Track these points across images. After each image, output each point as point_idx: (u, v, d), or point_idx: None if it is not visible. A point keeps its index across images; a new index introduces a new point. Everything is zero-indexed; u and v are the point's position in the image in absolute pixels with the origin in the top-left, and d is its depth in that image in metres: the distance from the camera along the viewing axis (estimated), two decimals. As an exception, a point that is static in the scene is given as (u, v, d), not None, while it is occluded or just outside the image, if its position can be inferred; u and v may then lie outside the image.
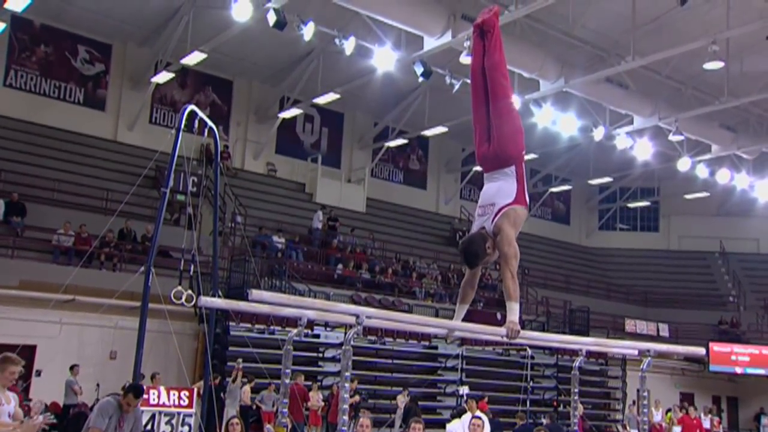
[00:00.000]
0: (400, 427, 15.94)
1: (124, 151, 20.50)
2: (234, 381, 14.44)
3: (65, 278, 12.75)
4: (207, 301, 4.44)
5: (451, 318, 4.91)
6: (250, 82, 23.39)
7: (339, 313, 4.21)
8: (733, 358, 25.09)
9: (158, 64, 19.77)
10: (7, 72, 19.68)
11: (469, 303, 4.92)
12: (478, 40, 5.07)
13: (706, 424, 20.97)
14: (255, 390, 14.85)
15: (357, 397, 15.25)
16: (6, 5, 15.56)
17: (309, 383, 16.00)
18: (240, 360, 14.49)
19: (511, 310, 4.53)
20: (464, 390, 17.00)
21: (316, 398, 15.47)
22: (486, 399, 15.32)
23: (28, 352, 14.13)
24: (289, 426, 7.96)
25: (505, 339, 4.61)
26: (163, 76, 19.82)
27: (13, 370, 5.88)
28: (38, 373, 14.57)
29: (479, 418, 10.03)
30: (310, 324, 16.60)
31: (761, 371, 25.12)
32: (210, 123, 11.76)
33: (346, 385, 4.02)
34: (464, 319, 4.91)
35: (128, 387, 6.44)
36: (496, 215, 4.73)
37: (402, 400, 16.34)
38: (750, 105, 20.55)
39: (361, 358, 18.02)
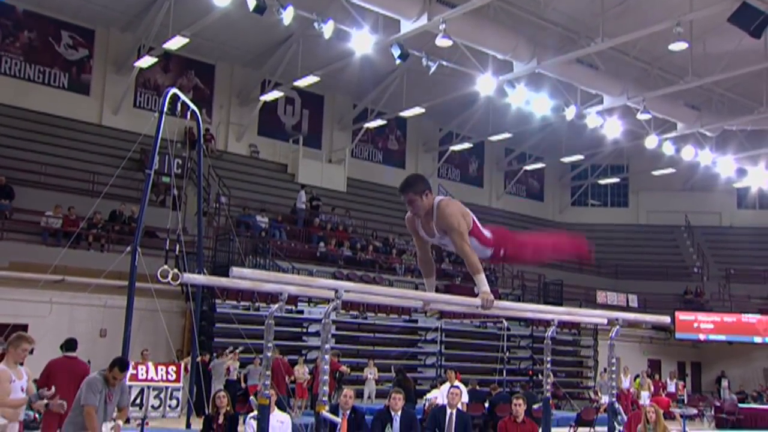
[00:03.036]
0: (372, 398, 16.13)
1: (109, 134, 20.28)
2: (219, 357, 14.50)
3: (54, 259, 12.65)
4: (189, 277, 4.42)
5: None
6: (232, 66, 23.17)
7: (318, 288, 4.20)
8: (697, 325, 25.50)
9: (141, 48, 19.53)
10: (-9, 58, 19.36)
11: (433, 276, 4.85)
12: None
13: (671, 388, 21.39)
14: (242, 365, 14.88)
15: (345, 368, 15.33)
16: (-12, -8, 15.26)
17: (295, 357, 16.04)
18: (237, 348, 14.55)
19: (481, 282, 4.50)
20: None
21: (301, 371, 15.51)
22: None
23: (19, 331, 14.01)
24: (274, 398, 7.98)
25: (480, 310, 4.59)
26: (146, 61, 19.58)
27: (25, 347, 6.14)
28: (30, 351, 14.46)
29: (457, 387, 10.14)
30: (294, 300, 16.61)
31: (722, 338, 25.59)
32: (192, 106, 11.67)
33: (326, 357, 4.03)
34: (444, 293, 4.92)
35: (114, 361, 6.43)
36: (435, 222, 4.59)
37: (369, 372, 16.42)
38: (713, 84, 20.73)
39: (344, 333, 18.11)
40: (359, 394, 15.80)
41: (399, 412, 8.05)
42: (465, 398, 11.88)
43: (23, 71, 19.88)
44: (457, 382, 12.29)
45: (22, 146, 18.31)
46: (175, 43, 18.10)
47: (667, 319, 6.78)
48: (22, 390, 6.05)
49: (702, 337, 25.67)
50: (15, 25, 19.79)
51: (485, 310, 4.57)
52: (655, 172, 28.72)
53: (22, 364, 6.25)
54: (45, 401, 6.27)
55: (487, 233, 4.67)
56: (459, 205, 4.57)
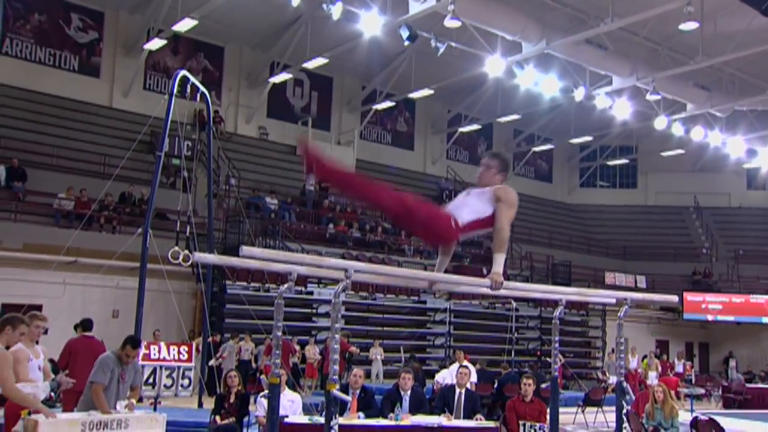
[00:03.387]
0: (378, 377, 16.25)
1: (119, 117, 20.29)
2: (233, 339, 14.62)
3: (67, 240, 12.72)
4: (200, 256, 4.42)
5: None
6: (241, 48, 23.09)
7: (328, 267, 4.19)
8: (705, 306, 25.44)
9: (150, 31, 19.45)
10: (2, 40, 19.36)
11: (450, 255, 4.75)
12: None
13: (679, 369, 21.39)
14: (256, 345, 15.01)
15: (355, 348, 15.42)
16: (-1, -26, 15.25)
17: (305, 338, 16.12)
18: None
19: (497, 262, 4.39)
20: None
21: (312, 352, 15.60)
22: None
23: (32, 310, 14.13)
24: (285, 378, 8.02)
25: (489, 291, 4.53)
26: (156, 43, 19.53)
27: (38, 324, 6.21)
28: (45, 331, 14.58)
29: (466, 367, 10.17)
30: (304, 281, 16.66)
31: (731, 318, 25.53)
32: (202, 88, 11.65)
33: (336, 336, 4.03)
34: (453, 274, 4.86)
35: (126, 339, 6.49)
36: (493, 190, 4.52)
37: (375, 352, 16.48)
38: (723, 64, 20.47)
39: (353, 314, 18.16)
40: (368, 374, 15.89)
41: (408, 392, 8.10)
42: (474, 378, 11.92)
43: (34, 54, 19.89)
44: (465, 362, 12.32)
45: (34, 129, 18.36)
46: (184, 26, 18.05)
47: (675, 298, 6.73)
48: (39, 369, 6.11)
49: (710, 317, 25.61)
50: (26, 8, 19.78)
51: (494, 291, 4.53)
52: (665, 153, 28.53)
53: (37, 342, 6.30)
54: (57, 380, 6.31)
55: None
56: (513, 193, 4.54)
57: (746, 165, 28.73)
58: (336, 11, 16.01)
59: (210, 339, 12.94)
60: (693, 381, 21.42)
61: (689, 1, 15.23)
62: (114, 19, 20.94)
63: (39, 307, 14.27)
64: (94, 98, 20.52)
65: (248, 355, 14.79)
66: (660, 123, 22.64)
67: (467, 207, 4.46)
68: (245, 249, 3.61)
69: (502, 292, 4.73)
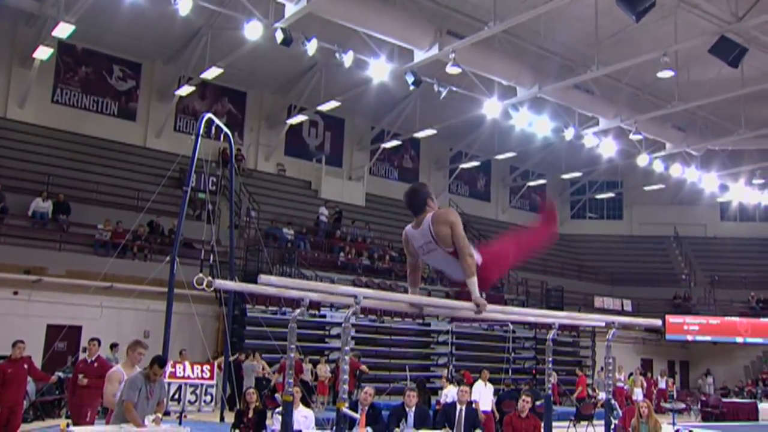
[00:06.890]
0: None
1: (152, 155, 20.41)
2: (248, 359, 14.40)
3: (104, 267, 12.76)
4: (221, 283, 4.36)
5: (441, 296, 4.79)
6: (261, 93, 23.28)
7: (339, 294, 4.14)
8: (685, 327, 25.18)
9: (181, 78, 19.69)
10: (54, 90, 19.69)
11: (418, 286, 4.52)
12: None
13: (662, 385, 21.07)
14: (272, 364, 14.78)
15: (365, 367, 15.20)
16: (54, 33, 15.55)
17: (317, 358, 15.95)
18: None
19: (474, 286, 4.14)
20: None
21: (323, 370, 15.42)
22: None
23: (75, 332, 14.13)
24: (299, 395, 7.91)
25: (474, 314, 4.31)
26: (186, 90, 19.73)
27: (141, 351, 6.22)
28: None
29: (468, 385, 10.01)
30: (317, 305, 16.54)
31: (708, 338, 25.33)
32: (225, 129, 11.71)
33: (346, 358, 3.97)
34: (455, 299, 4.74)
35: (153, 359, 6.41)
36: (430, 226, 4.15)
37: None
38: (697, 108, 20.57)
39: (363, 335, 18.00)
40: (379, 391, 15.68)
41: (413, 408, 7.96)
42: (475, 396, 11.69)
43: (80, 101, 20.15)
44: (481, 381, 11.81)
45: (78, 167, 18.54)
46: (211, 73, 18.23)
47: (658, 322, 6.71)
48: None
49: (690, 338, 25.36)
50: (75, 62, 20.09)
51: (478, 315, 4.32)
52: (647, 188, 28.46)
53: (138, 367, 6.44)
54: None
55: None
56: (453, 215, 4.24)
57: (719, 199, 28.62)
58: (348, 59, 16.14)
59: (232, 358, 12.82)
60: (675, 396, 21.09)
61: (665, 52, 15.33)
62: (150, 69, 21.19)
63: (79, 328, 14.27)
64: (131, 139, 20.67)
65: (259, 371, 14.48)
66: (642, 160, 22.63)
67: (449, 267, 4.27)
68: (263, 278, 3.57)
69: (499, 316, 4.64)
